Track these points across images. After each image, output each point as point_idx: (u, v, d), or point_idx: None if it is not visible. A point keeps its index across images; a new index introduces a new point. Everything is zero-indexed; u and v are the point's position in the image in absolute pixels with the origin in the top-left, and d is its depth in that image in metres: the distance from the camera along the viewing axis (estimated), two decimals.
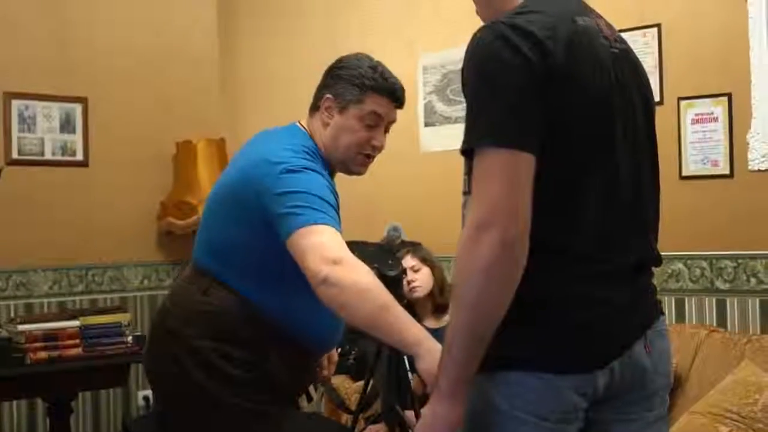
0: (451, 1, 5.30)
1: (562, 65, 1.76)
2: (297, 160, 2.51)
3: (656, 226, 2.01)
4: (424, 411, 1.84)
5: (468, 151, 1.79)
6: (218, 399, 2.55)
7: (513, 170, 1.71)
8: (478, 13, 2.04)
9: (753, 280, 4.31)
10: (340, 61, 2.74)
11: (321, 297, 2.35)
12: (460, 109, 5.37)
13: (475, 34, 1.83)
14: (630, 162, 1.90)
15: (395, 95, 2.68)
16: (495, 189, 1.71)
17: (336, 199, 2.58)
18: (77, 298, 5.63)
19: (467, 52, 1.83)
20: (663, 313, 1.99)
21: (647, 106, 1.99)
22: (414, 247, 4.54)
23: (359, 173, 2.73)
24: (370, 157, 2.70)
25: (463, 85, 1.84)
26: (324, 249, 2.34)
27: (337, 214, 2.52)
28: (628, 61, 1.96)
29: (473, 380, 1.80)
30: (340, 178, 2.77)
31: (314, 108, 2.71)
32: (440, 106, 5.46)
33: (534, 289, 1.75)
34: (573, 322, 1.81)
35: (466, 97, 1.82)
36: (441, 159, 5.44)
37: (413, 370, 4.14)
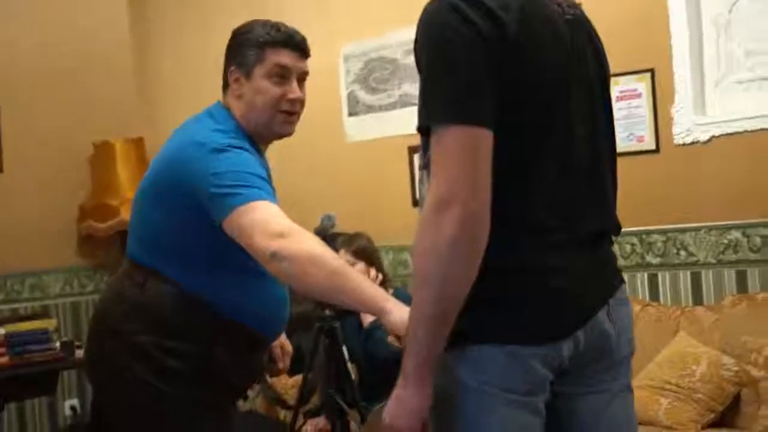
0: None
1: (516, 34, 1.73)
2: (223, 139, 2.47)
3: (614, 194, 1.99)
4: (392, 395, 1.81)
5: (424, 128, 1.76)
6: (160, 392, 2.49)
7: (471, 147, 1.70)
8: None
9: (683, 253, 4.37)
10: (233, 33, 2.69)
11: (273, 273, 2.32)
12: (384, 98, 5.35)
13: (426, 7, 1.80)
14: (586, 131, 1.88)
15: (294, 42, 2.62)
16: (454, 166, 1.69)
17: (268, 173, 2.54)
18: None
19: (419, 25, 1.79)
20: (624, 281, 1.99)
21: (603, 73, 1.97)
22: (349, 239, 4.47)
23: (287, 132, 2.65)
24: (291, 114, 2.62)
25: (417, 59, 1.80)
26: (267, 224, 2.31)
27: (271, 186, 2.47)
28: (583, 27, 1.94)
29: (439, 359, 1.77)
30: None
31: (225, 86, 2.65)
32: (363, 95, 5.42)
33: (494, 262, 1.73)
34: (535, 292, 1.79)
35: (419, 71, 1.79)
36: (366, 148, 5.41)
37: (352, 359, 4.12)
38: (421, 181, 1.86)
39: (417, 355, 1.76)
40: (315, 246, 2.30)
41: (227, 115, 2.59)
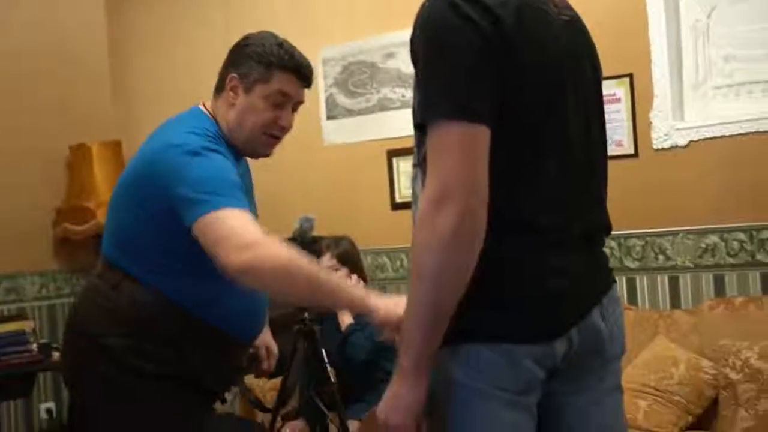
0: None
1: (513, 32, 1.73)
2: (199, 142, 2.44)
3: (605, 195, 2.00)
4: (386, 392, 1.80)
5: (421, 125, 1.76)
6: (134, 395, 2.47)
7: (469, 144, 1.69)
8: None
9: (661, 257, 4.39)
10: (245, 38, 2.65)
11: (244, 286, 2.30)
12: (362, 101, 5.35)
13: (423, 4, 1.80)
14: (581, 131, 1.88)
15: (302, 73, 2.59)
16: (451, 162, 1.69)
17: (247, 181, 2.53)
18: None
19: (416, 22, 1.79)
20: (615, 281, 1.99)
21: (596, 74, 1.98)
22: (335, 243, 4.46)
23: (265, 155, 2.64)
24: (276, 138, 2.61)
25: (413, 56, 1.80)
26: (233, 237, 2.28)
27: (244, 194, 2.44)
28: (577, 29, 1.94)
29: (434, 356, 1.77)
30: None
31: (219, 88, 2.61)
32: (342, 99, 5.43)
33: (490, 260, 1.73)
34: (530, 291, 1.79)
35: (416, 68, 1.78)
36: (344, 151, 5.41)
37: (331, 363, 4.11)
38: (414, 178, 1.86)
39: (412, 351, 1.75)
40: (284, 253, 2.28)
41: (209, 121, 2.57)
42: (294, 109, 2.62)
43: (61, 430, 5.34)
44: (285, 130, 2.60)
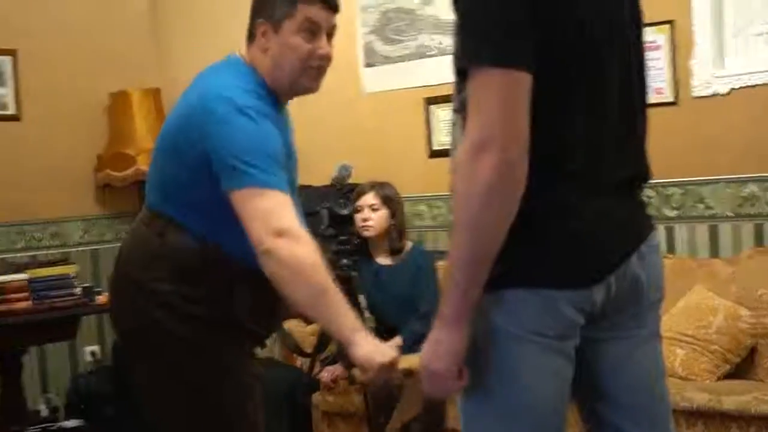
0: None
1: None
2: (247, 99, 2.44)
3: (644, 142, 1.99)
4: (427, 339, 1.83)
5: (461, 70, 1.75)
6: (181, 337, 2.51)
7: (510, 90, 1.68)
8: None
9: (700, 206, 4.38)
10: None
11: (262, 266, 2.35)
12: (400, 48, 5.33)
13: None
14: (620, 76, 1.87)
15: None
16: (493, 109, 1.68)
17: (287, 132, 2.55)
18: (18, 254, 5.48)
19: None
20: (655, 228, 1.99)
21: (637, 20, 1.96)
22: (380, 185, 4.49)
23: (313, 89, 2.61)
24: (320, 69, 2.58)
25: (453, 1, 1.78)
26: (270, 217, 2.32)
27: (287, 156, 2.47)
28: None
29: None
30: None
31: (250, 37, 2.60)
32: (380, 46, 5.41)
33: (529, 206, 1.73)
34: (569, 236, 1.80)
35: (456, 13, 1.77)
36: (382, 99, 5.41)
37: (368, 307, 4.16)
38: (454, 123, 1.86)
39: (454, 298, 1.77)
40: (306, 255, 2.32)
41: (250, 71, 2.56)
42: (329, 36, 2.59)
43: (105, 371, 5.44)
44: (325, 58, 2.56)
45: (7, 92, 5.55)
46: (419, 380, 1.88)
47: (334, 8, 2.59)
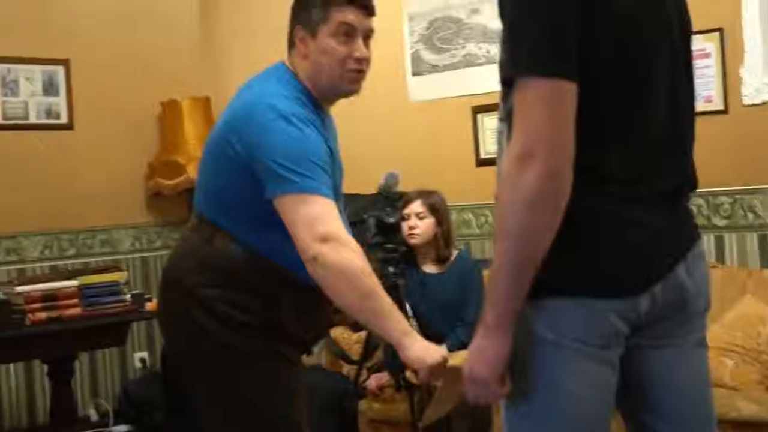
0: None
1: None
2: (292, 107, 2.47)
3: (691, 150, 1.97)
4: (471, 345, 1.83)
5: (507, 79, 1.76)
6: (228, 344, 2.54)
7: (556, 100, 1.69)
8: None
9: (750, 216, 4.33)
10: None
11: (310, 272, 2.38)
12: (448, 57, 5.34)
13: None
14: (667, 83, 1.86)
15: (358, 1, 2.58)
16: (538, 119, 1.68)
17: (332, 138, 2.57)
18: (69, 261, 5.57)
19: None
20: (701, 236, 1.98)
21: (684, 26, 1.95)
22: (427, 193, 4.50)
23: (353, 92, 2.64)
24: (359, 72, 2.60)
25: (500, 11, 1.79)
26: (315, 223, 2.35)
27: (331, 165, 2.49)
28: None
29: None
30: None
31: (291, 45, 2.64)
32: (427, 55, 5.42)
33: (574, 215, 1.73)
34: (615, 245, 1.79)
35: (503, 21, 1.77)
36: (429, 108, 5.41)
37: (414, 315, 4.16)
38: (500, 132, 1.86)
39: (497, 305, 1.77)
40: (353, 260, 2.35)
41: (293, 78, 2.59)
42: (366, 39, 2.61)
43: (154, 378, 5.50)
44: (363, 61, 2.59)
45: (60, 101, 5.63)
46: (452, 373, 1.88)
47: (368, 11, 2.61)
